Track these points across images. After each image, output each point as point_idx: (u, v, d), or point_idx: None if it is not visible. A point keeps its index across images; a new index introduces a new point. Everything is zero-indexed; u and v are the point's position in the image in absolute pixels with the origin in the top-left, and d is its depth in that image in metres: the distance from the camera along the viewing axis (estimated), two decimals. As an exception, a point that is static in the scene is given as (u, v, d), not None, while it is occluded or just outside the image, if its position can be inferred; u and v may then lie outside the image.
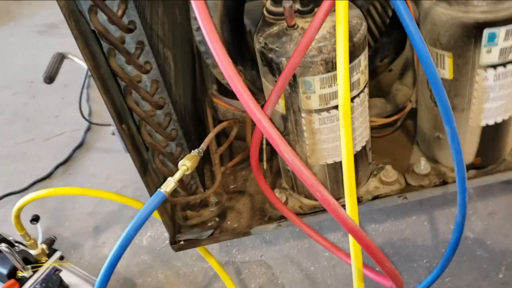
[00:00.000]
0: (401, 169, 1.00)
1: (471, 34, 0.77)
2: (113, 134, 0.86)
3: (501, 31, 0.75)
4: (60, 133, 1.91)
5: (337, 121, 0.80)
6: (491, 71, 0.80)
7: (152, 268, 1.34)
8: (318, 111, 0.79)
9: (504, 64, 0.79)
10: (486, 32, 0.75)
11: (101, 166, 1.72)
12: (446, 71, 0.83)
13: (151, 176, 0.91)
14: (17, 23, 2.75)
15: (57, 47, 2.39)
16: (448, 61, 0.81)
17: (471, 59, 0.79)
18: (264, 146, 0.96)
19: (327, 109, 0.79)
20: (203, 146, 0.77)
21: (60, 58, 1.57)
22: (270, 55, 0.77)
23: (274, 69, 0.77)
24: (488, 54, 0.78)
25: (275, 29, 0.79)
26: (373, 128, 0.98)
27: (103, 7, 0.69)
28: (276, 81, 0.74)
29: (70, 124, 1.92)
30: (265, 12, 0.81)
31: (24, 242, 1.16)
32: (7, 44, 2.61)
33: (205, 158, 1.03)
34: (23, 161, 1.82)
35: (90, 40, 0.74)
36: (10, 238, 1.18)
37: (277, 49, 0.76)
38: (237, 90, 0.60)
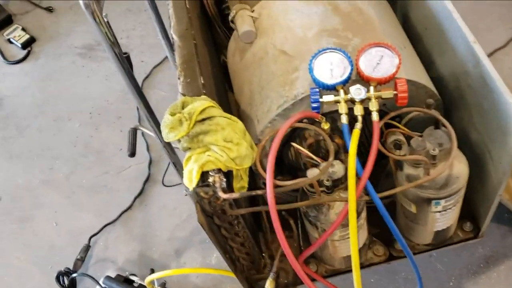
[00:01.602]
0: (385, 241, 1.61)
1: (426, 200, 1.34)
2: (186, 195, 1.45)
3: (442, 201, 1.33)
4: (128, 166, 2.48)
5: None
6: (438, 214, 1.39)
7: (222, 283, 2.01)
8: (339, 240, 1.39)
9: (445, 210, 1.38)
10: (434, 201, 1.33)
11: (168, 197, 2.32)
12: (413, 209, 1.42)
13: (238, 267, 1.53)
14: (59, 44, 3.15)
15: (101, 73, 2.89)
16: (413, 206, 1.40)
17: (427, 208, 1.38)
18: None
19: (344, 237, 1.39)
20: (274, 270, 1.38)
21: (134, 132, 2.10)
22: (310, 219, 1.35)
23: (313, 225, 1.36)
24: (435, 207, 1.36)
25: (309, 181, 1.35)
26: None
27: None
28: (316, 238, 1.33)
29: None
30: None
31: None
32: (58, 69, 3.04)
33: (259, 225, 1.64)
34: (106, 193, 2.42)
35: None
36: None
37: (314, 217, 1.33)
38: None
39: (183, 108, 1.27)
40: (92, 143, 2.63)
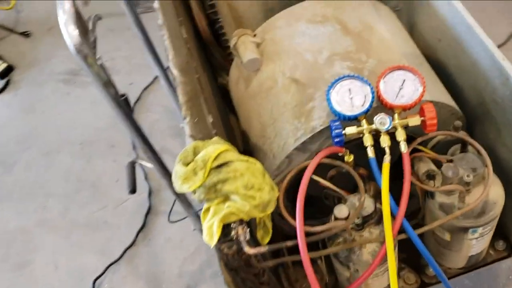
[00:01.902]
0: (415, 266, 1.52)
1: (462, 229, 1.25)
2: (194, 229, 1.34)
3: (479, 228, 1.24)
4: (126, 198, 2.36)
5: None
6: (474, 240, 1.30)
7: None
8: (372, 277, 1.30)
9: (482, 236, 1.29)
10: (471, 229, 1.24)
11: (172, 229, 2.21)
12: (447, 237, 1.33)
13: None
14: (40, 70, 3.00)
15: (87, 99, 2.75)
16: (448, 235, 1.31)
17: (463, 236, 1.29)
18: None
19: (377, 274, 1.29)
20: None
21: (132, 166, 1.98)
22: (341, 259, 1.25)
23: (345, 265, 1.26)
24: (472, 234, 1.27)
25: (341, 239, 1.25)
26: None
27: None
28: (347, 277, 1.23)
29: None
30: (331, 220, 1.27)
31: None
32: (42, 98, 2.90)
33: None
34: (106, 230, 2.29)
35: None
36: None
37: (346, 257, 1.23)
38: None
39: (194, 154, 1.16)
40: (85, 176, 2.50)
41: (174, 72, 1.36)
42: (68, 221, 2.34)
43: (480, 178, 1.22)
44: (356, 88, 1.21)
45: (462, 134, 1.25)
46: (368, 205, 1.22)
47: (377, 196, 1.36)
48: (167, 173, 1.54)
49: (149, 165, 2.02)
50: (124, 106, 1.31)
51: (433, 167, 1.19)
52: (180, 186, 1.13)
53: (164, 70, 1.88)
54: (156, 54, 1.94)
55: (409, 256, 1.54)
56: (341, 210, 1.21)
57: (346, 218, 1.21)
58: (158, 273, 2.10)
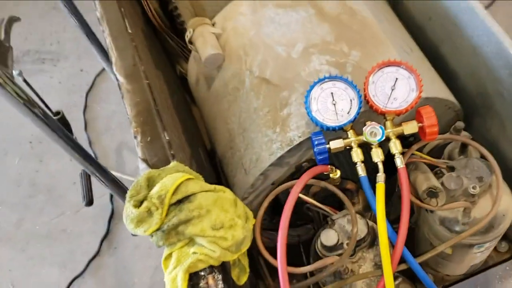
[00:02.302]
0: (409, 274, 1.37)
1: (467, 245, 1.09)
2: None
3: (487, 243, 1.08)
4: (87, 202, 2.12)
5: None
6: (478, 253, 1.14)
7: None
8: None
9: (487, 249, 1.13)
10: (477, 245, 1.08)
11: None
12: (448, 251, 1.16)
13: None
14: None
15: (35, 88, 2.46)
16: (449, 249, 1.15)
17: (467, 250, 1.13)
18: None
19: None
20: None
21: (87, 174, 1.74)
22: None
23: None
24: (478, 249, 1.11)
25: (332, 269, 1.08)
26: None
27: None
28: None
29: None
30: (318, 247, 1.09)
31: None
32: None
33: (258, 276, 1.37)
34: (66, 239, 2.08)
35: None
36: None
37: None
38: None
39: (148, 187, 0.95)
40: (38, 179, 2.26)
41: (119, 78, 1.12)
42: (23, 232, 2.11)
43: (486, 186, 1.05)
44: (339, 92, 1.00)
45: (466, 138, 1.06)
46: (361, 229, 1.04)
47: (367, 209, 1.19)
48: (123, 192, 1.32)
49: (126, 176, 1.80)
50: (59, 127, 1.08)
51: (434, 181, 1.01)
52: (133, 230, 0.93)
53: (111, 65, 1.62)
54: (98, 41, 1.68)
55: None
56: (328, 237, 1.03)
57: (335, 246, 1.03)
58: (128, 285, 1.91)
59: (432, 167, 1.11)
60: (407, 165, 1.06)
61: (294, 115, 1.07)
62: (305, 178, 0.94)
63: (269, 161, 1.07)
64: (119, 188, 1.31)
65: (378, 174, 0.97)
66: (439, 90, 1.14)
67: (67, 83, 2.48)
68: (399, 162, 0.97)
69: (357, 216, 1.05)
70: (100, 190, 2.05)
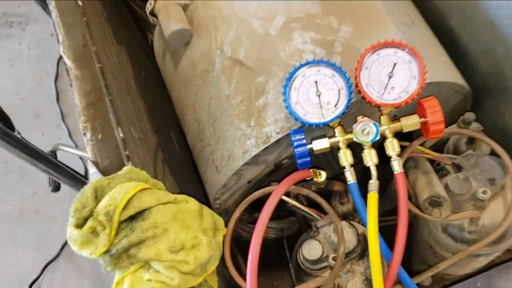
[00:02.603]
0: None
1: (475, 256, 0.94)
2: None
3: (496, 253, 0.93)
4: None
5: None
6: (485, 261, 1.00)
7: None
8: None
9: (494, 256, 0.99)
10: (485, 255, 0.94)
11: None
12: (449, 257, 1.02)
13: None
14: None
15: (3, 57, 2.28)
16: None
17: (473, 259, 0.99)
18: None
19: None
20: None
21: (54, 155, 1.58)
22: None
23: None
24: (484, 258, 0.97)
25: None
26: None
27: None
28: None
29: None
30: (300, 258, 0.94)
31: None
32: None
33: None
34: (39, 221, 1.94)
35: None
36: None
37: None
38: None
39: (96, 200, 0.79)
40: (10, 156, 2.08)
41: (67, 62, 0.94)
42: (-6, 213, 1.97)
43: (498, 189, 0.89)
44: (325, 80, 0.83)
45: (476, 132, 0.89)
46: (349, 240, 0.89)
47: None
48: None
49: (78, 152, 1.64)
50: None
51: (438, 188, 0.85)
52: (77, 251, 0.77)
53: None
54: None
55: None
56: (312, 249, 0.88)
57: (320, 259, 0.88)
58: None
59: (433, 161, 0.95)
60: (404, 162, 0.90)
61: (272, 106, 0.89)
62: (282, 189, 0.77)
63: (243, 160, 0.91)
64: (79, 183, 1.15)
65: (370, 182, 0.81)
66: (446, 72, 0.96)
67: (37, 49, 2.27)
68: (397, 166, 0.81)
69: (345, 225, 0.90)
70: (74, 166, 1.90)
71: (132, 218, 0.77)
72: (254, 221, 1.04)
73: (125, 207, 0.76)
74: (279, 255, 1.26)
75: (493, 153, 0.95)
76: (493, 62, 1.01)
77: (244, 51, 0.94)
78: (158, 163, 1.03)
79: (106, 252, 0.75)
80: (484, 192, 0.85)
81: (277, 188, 0.77)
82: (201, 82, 1.01)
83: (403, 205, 0.78)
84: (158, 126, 1.17)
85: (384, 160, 0.84)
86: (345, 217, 1.03)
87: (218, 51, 0.98)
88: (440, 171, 0.96)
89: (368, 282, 0.92)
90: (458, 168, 0.92)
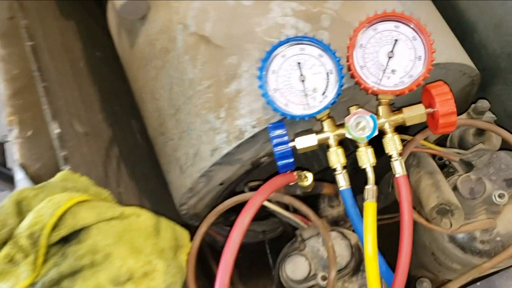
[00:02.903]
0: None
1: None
2: None
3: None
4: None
5: None
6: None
7: None
8: None
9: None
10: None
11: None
12: (456, 266, 0.88)
13: None
14: None
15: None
16: (458, 266, 0.86)
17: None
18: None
19: None
20: None
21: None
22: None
23: None
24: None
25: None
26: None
27: None
28: None
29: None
30: (283, 276, 0.79)
31: None
32: None
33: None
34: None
35: None
36: None
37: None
38: None
39: (19, 215, 0.62)
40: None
41: (-11, 39, 0.76)
42: None
43: (516, 189, 0.74)
44: (310, 61, 0.66)
45: (492, 124, 0.74)
46: (342, 255, 0.74)
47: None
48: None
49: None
50: None
51: (447, 194, 0.69)
52: (-5, 283, 0.60)
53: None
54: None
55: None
56: (297, 268, 0.73)
57: (306, 278, 0.73)
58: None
59: (434, 155, 0.80)
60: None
61: (246, 93, 0.73)
62: (257, 201, 0.61)
63: (211, 159, 0.75)
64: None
65: (367, 187, 0.65)
66: (453, 52, 0.80)
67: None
68: (399, 168, 0.65)
69: (336, 237, 0.75)
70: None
71: (65, 240, 0.60)
72: (231, 224, 0.89)
73: (55, 227, 0.59)
74: (261, 261, 1.11)
75: (505, 147, 0.80)
76: (505, 39, 0.85)
77: (211, 25, 0.77)
78: (111, 161, 0.86)
79: (31, 286, 0.59)
80: (500, 196, 0.70)
81: (251, 201, 0.61)
82: (161, 64, 0.83)
83: (407, 218, 0.62)
84: (116, 116, 0.99)
85: (376, 147, 0.69)
86: (335, 222, 0.88)
87: (180, 25, 0.80)
88: (445, 168, 0.81)
89: (363, 302, 0.77)
90: (467, 165, 0.77)
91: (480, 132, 0.82)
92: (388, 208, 1.00)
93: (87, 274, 0.58)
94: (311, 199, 0.90)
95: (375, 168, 0.67)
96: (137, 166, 0.98)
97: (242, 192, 0.87)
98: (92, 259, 0.58)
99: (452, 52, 0.80)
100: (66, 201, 0.61)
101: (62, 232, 0.59)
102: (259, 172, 0.87)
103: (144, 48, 0.87)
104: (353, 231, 0.81)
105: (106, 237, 0.60)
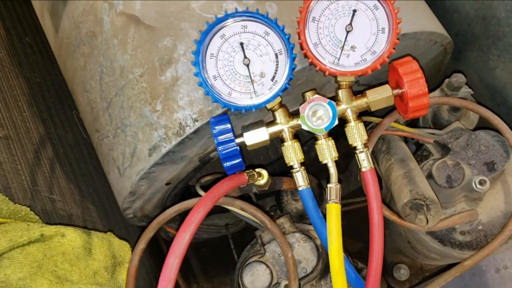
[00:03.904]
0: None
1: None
2: None
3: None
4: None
5: None
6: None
7: None
8: None
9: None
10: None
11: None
12: (435, 256, 0.81)
13: None
14: None
15: None
16: (438, 257, 0.79)
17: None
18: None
19: None
20: None
21: None
22: None
23: None
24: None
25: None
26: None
27: None
28: None
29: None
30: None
31: None
32: None
33: None
34: None
35: None
36: None
37: None
38: None
39: None
40: None
41: None
42: None
43: (499, 174, 0.66)
44: (256, 41, 0.56)
45: (468, 102, 0.65)
46: (307, 259, 0.65)
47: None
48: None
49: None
50: None
51: (423, 187, 0.61)
52: None
53: None
54: None
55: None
56: (256, 277, 0.64)
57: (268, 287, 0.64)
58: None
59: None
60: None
61: (184, 82, 0.62)
62: (200, 212, 0.51)
63: (150, 160, 0.64)
64: None
65: (329, 186, 0.55)
66: (422, 18, 0.70)
67: None
68: (365, 161, 0.56)
69: (300, 239, 0.66)
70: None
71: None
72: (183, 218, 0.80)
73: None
74: (226, 256, 1.03)
75: (483, 125, 0.72)
76: (481, 0, 0.76)
77: (141, 3, 0.65)
78: (42, 166, 0.75)
79: None
80: (481, 182, 0.62)
81: (190, 217, 0.50)
82: (88, 51, 0.71)
83: (377, 219, 0.54)
84: (50, 111, 0.87)
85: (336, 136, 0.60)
86: (300, 217, 0.79)
87: (106, 4, 0.68)
88: (418, 151, 0.73)
89: (333, 309, 0.68)
90: (443, 148, 0.68)
91: (456, 108, 0.74)
92: (360, 191, 0.92)
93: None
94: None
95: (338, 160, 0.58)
96: (79, 164, 0.87)
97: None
98: (2, 298, 0.48)
99: (421, 19, 0.70)
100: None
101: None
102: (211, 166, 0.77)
103: (70, 32, 0.75)
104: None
105: (20, 269, 0.50)
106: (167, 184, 0.73)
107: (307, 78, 0.61)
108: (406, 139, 0.75)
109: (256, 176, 0.60)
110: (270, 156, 0.89)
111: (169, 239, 0.99)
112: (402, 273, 1.00)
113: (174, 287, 0.47)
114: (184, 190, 0.84)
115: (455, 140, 0.66)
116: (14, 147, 0.70)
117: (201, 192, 0.73)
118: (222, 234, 1.02)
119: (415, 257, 0.95)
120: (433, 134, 0.70)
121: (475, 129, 0.70)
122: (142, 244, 0.60)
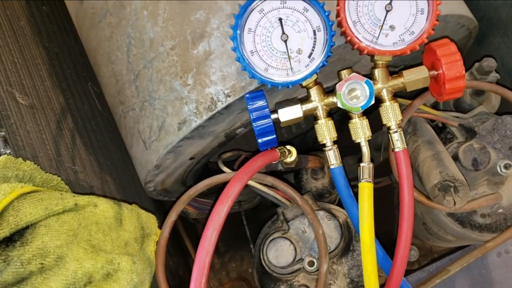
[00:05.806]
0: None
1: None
2: None
3: None
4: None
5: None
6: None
7: None
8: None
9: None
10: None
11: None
12: (450, 238, 0.82)
13: None
14: None
15: None
16: (453, 238, 0.80)
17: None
18: None
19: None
20: None
21: None
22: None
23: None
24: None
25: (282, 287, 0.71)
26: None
27: None
28: None
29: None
30: (265, 261, 0.71)
31: None
32: None
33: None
34: None
35: None
36: None
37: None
38: None
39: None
40: None
41: None
42: None
43: (522, 158, 0.67)
44: (294, 17, 0.55)
45: (500, 87, 0.66)
46: (331, 236, 0.66)
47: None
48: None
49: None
50: None
51: (452, 168, 0.61)
52: None
53: None
54: None
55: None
56: (280, 253, 0.65)
57: (292, 263, 0.65)
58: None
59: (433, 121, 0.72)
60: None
61: (217, 56, 0.61)
62: (235, 189, 0.51)
63: (179, 134, 0.64)
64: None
65: (362, 165, 0.56)
66: (451, 1, 0.70)
67: None
68: (399, 141, 0.56)
69: (323, 217, 0.66)
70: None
71: (8, 242, 0.50)
72: (204, 195, 0.80)
73: (-5, 226, 0.49)
74: (238, 232, 1.04)
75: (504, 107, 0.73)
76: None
77: (173, -27, 0.65)
78: (64, 136, 0.74)
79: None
80: (506, 167, 0.63)
81: (229, 186, 0.51)
82: (116, 21, 0.71)
83: (408, 200, 0.54)
84: (68, 81, 0.87)
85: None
86: (320, 195, 0.80)
87: (136, -26, 0.67)
88: (442, 134, 0.73)
89: (354, 285, 0.70)
90: (468, 131, 0.68)
91: (479, 92, 0.74)
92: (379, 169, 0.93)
93: (37, 282, 0.48)
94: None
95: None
96: (96, 137, 0.87)
97: (215, 163, 0.78)
98: (41, 264, 0.48)
99: (452, 2, 0.70)
100: (7, 194, 0.50)
101: (5, 231, 0.49)
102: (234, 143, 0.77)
103: (96, 2, 0.74)
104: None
105: (57, 237, 0.50)
106: (191, 158, 0.73)
107: (339, 56, 0.61)
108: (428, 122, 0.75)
109: (286, 153, 0.61)
110: (292, 131, 0.89)
111: (184, 216, 0.99)
112: (412, 254, 1.01)
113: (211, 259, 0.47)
114: (204, 168, 0.85)
115: (481, 124, 0.67)
116: (39, 116, 0.69)
117: (224, 168, 0.73)
118: (235, 210, 1.03)
119: (426, 238, 0.97)
120: (458, 117, 0.70)
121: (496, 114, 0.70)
122: (173, 217, 0.60)
